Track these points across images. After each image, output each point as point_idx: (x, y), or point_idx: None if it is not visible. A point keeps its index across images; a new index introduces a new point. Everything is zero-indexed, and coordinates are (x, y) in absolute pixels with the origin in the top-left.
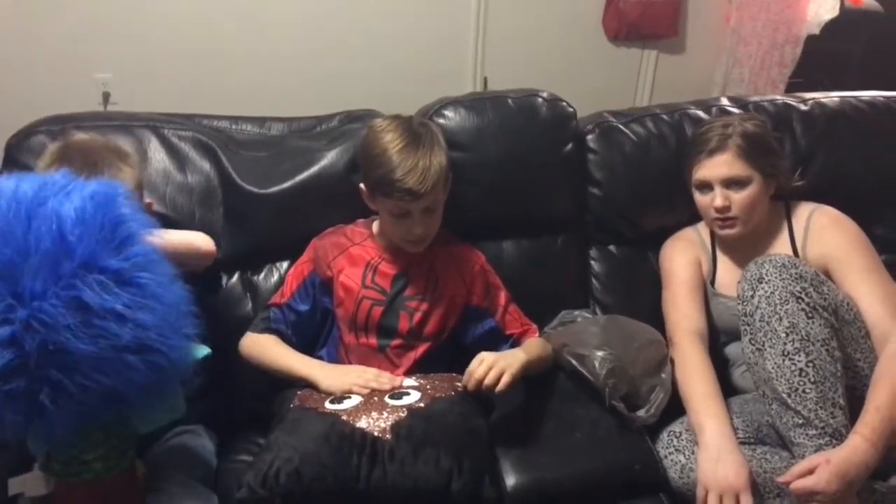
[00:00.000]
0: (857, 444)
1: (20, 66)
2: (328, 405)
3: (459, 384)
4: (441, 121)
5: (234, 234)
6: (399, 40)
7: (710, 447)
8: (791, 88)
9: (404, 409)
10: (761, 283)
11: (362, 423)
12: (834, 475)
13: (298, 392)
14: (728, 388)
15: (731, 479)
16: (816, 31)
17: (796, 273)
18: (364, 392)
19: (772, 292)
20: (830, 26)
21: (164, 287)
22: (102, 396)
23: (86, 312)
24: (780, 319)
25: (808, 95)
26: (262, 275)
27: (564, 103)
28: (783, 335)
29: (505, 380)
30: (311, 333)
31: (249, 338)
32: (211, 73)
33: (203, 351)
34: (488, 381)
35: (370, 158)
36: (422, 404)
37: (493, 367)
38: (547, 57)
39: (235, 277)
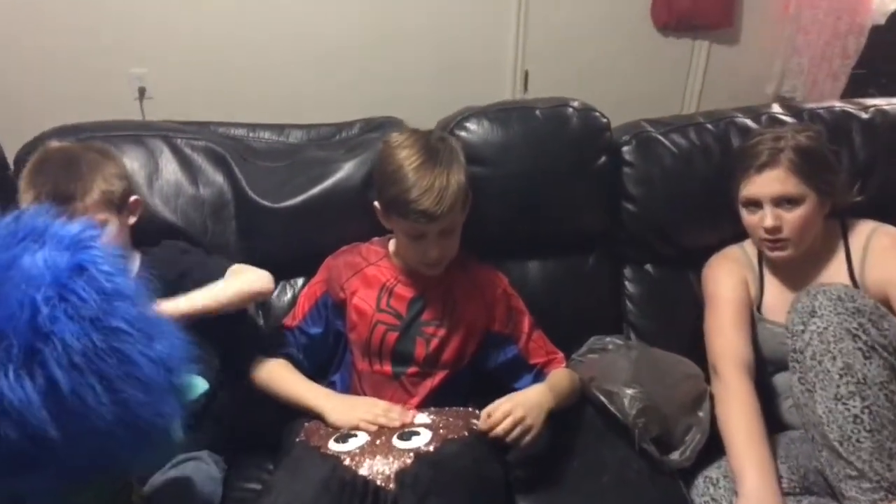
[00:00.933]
0: None
1: (58, 59)
2: (332, 445)
3: (476, 422)
4: (463, 133)
5: (247, 249)
6: (436, 33)
7: (751, 500)
8: (853, 80)
9: (411, 454)
10: (814, 317)
11: (365, 470)
12: None
13: (306, 424)
14: (774, 423)
15: None
16: (882, 20)
17: (853, 307)
18: (372, 429)
19: (825, 328)
20: None
21: (150, 347)
22: (82, 469)
23: (58, 396)
24: (834, 359)
25: (869, 102)
26: (275, 292)
27: (598, 113)
28: (837, 377)
29: (529, 438)
30: (324, 357)
31: (260, 362)
32: (245, 69)
33: (200, 388)
34: (511, 438)
35: (385, 176)
36: (431, 447)
37: (518, 422)
38: (591, 50)
39: None
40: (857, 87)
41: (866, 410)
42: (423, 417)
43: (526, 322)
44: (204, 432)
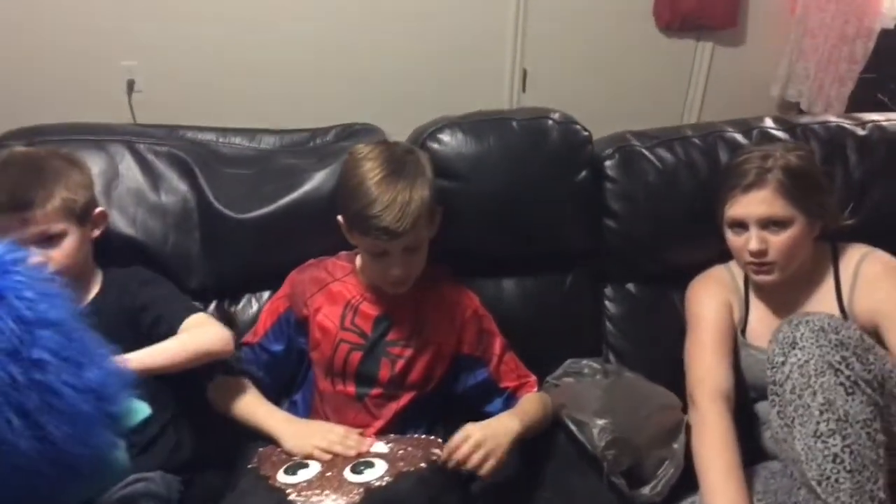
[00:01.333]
0: None
1: (49, 50)
2: (281, 477)
3: (437, 452)
4: (436, 146)
5: (211, 260)
6: (432, 30)
7: None
8: (861, 85)
9: (361, 490)
10: (794, 348)
11: None
12: None
13: (260, 449)
14: (756, 452)
15: None
16: (891, 24)
17: (837, 339)
18: (325, 458)
19: (806, 361)
20: None
21: (78, 376)
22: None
23: None
24: (815, 394)
25: (867, 118)
26: (240, 305)
27: (579, 126)
28: (817, 413)
29: (489, 467)
30: (287, 375)
31: (218, 380)
32: (237, 66)
33: (141, 413)
34: (471, 464)
35: (347, 190)
36: (383, 482)
37: (479, 446)
38: (592, 49)
39: (212, 307)
40: (864, 91)
41: (847, 449)
42: (380, 446)
43: (497, 344)
44: (156, 454)
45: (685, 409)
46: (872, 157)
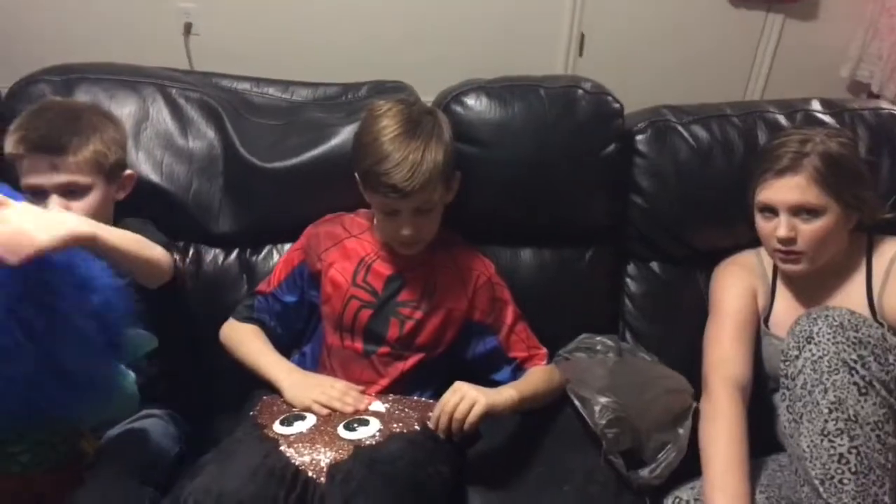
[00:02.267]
0: None
1: None
2: (276, 427)
3: (431, 424)
4: (459, 109)
5: (234, 208)
6: None
7: None
8: None
9: (351, 447)
10: (810, 343)
11: (300, 459)
12: None
13: (265, 397)
14: (771, 443)
15: None
16: None
17: (856, 337)
18: (323, 412)
19: (820, 357)
20: None
21: (84, 300)
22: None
23: None
24: (826, 391)
25: None
26: (261, 255)
27: (610, 98)
28: (826, 410)
29: (475, 413)
30: (298, 327)
31: (230, 325)
32: (293, 15)
33: (148, 344)
34: (458, 414)
35: (361, 145)
36: (373, 441)
37: (464, 396)
38: (654, 15)
39: (233, 256)
40: None
41: (854, 451)
42: (378, 405)
43: (509, 313)
44: (164, 395)
45: (697, 397)
46: None
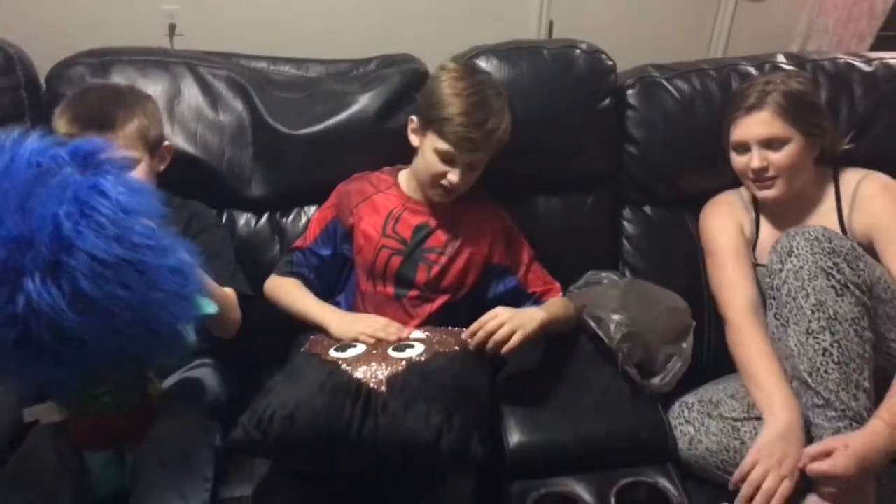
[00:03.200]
0: (878, 429)
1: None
2: (332, 353)
3: (469, 340)
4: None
5: (264, 175)
6: None
7: (780, 421)
8: (879, 42)
9: (403, 362)
10: (791, 256)
11: (359, 374)
12: (852, 460)
13: (311, 337)
14: None
15: (786, 461)
16: None
17: (829, 247)
18: (370, 342)
19: (800, 267)
20: None
21: (165, 258)
22: (101, 363)
23: (82, 300)
24: (808, 296)
25: (874, 55)
26: (290, 218)
27: (604, 56)
28: (809, 312)
29: (515, 339)
30: (333, 278)
31: (273, 280)
32: (275, 9)
33: (209, 308)
34: (498, 336)
35: (440, 97)
36: (423, 358)
37: (506, 322)
38: (617, 4)
39: (264, 219)
40: (883, 49)
41: (836, 345)
42: (418, 333)
43: (525, 254)
44: (216, 346)
45: (694, 316)
46: (876, 90)
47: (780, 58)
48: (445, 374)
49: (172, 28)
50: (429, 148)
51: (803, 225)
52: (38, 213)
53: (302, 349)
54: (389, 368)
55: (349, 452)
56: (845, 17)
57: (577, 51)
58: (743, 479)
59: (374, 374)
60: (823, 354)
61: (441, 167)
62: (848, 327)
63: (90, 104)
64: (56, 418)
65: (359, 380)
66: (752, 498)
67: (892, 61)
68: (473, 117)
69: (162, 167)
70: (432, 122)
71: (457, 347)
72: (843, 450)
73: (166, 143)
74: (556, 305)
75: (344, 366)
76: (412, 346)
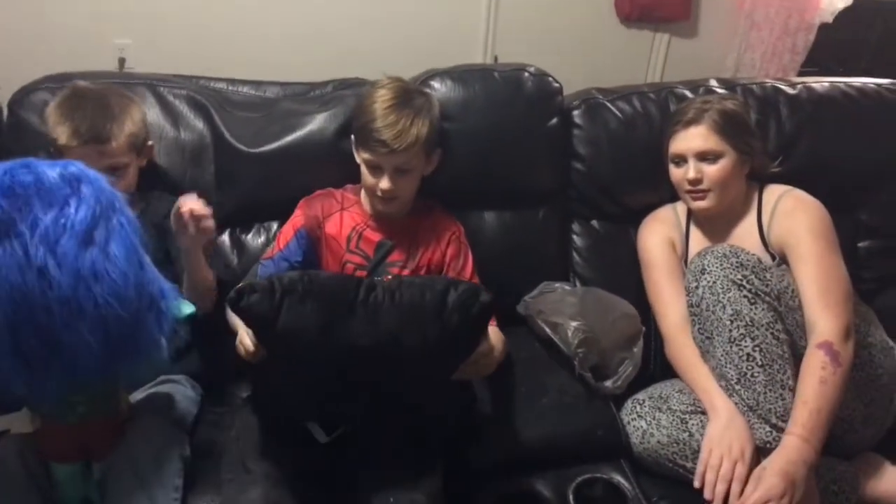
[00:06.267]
0: (790, 444)
1: (39, 27)
2: None
3: None
4: (427, 91)
5: (225, 191)
6: (410, 14)
7: (722, 415)
8: (801, 76)
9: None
10: (704, 273)
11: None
12: (776, 477)
13: None
14: None
15: (734, 445)
16: (830, 19)
17: (737, 262)
18: None
19: (714, 282)
20: (844, 15)
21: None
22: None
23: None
24: (724, 307)
25: (797, 80)
26: (250, 234)
27: (551, 78)
28: (728, 322)
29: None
30: None
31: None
32: (228, 44)
33: (187, 309)
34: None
35: (360, 108)
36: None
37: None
38: (558, 37)
39: (225, 235)
40: None
41: (757, 349)
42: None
43: (468, 269)
44: (186, 360)
45: (643, 322)
46: (801, 111)
47: (713, 82)
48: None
49: (122, 62)
50: (362, 162)
51: (728, 242)
52: None
53: None
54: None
55: (349, 326)
56: (770, 52)
57: (526, 73)
58: (705, 471)
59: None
60: (748, 360)
61: (372, 178)
62: (765, 331)
63: (89, 120)
64: (28, 428)
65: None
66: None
67: (814, 85)
68: (385, 120)
69: (144, 162)
70: (358, 135)
71: None
72: (766, 471)
73: (149, 143)
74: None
75: None
76: None
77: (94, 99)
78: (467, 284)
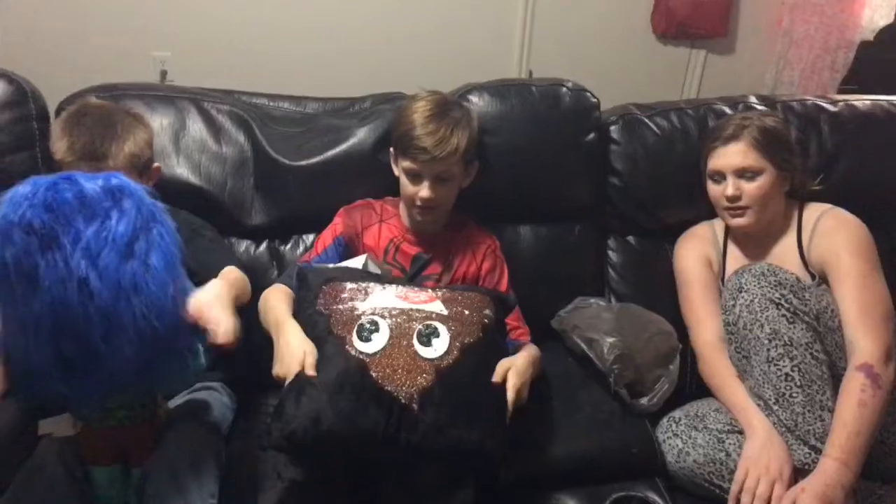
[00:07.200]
0: (828, 467)
1: (80, 39)
2: (357, 343)
3: (487, 314)
4: (465, 105)
5: (264, 204)
6: (445, 30)
7: (760, 434)
8: (841, 94)
9: (432, 369)
10: (741, 292)
11: (390, 386)
12: (814, 501)
13: (324, 288)
14: None
15: (772, 465)
16: (870, 36)
17: (775, 280)
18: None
19: (751, 301)
20: (885, 33)
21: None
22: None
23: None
24: (762, 326)
25: (839, 97)
26: (288, 245)
27: (588, 93)
28: (766, 341)
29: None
30: None
31: (267, 289)
32: (268, 56)
33: None
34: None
35: (400, 119)
36: (451, 359)
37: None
38: (593, 53)
39: (263, 246)
40: None
41: (796, 369)
42: (439, 306)
43: (504, 284)
44: (221, 369)
45: (680, 339)
46: (842, 129)
47: (752, 98)
48: (474, 387)
49: (163, 75)
50: (401, 172)
51: (767, 261)
52: None
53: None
54: (419, 378)
55: (379, 451)
56: (809, 70)
57: (564, 88)
58: (740, 491)
59: (403, 385)
60: (786, 379)
61: (411, 187)
62: (804, 351)
63: (86, 134)
64: (69, 432)
65: (389, 392)
66: None
67: (856, 103)
68: (426, 128)
69: (150, 184)
70: (398, 145)
71: (480, 334)
72: (803, 494)
73: (155, 164)
74: (533, 349)
75: (373, 370)
76: (437, 334)
77: (99, 116)
78: (490, 452)
